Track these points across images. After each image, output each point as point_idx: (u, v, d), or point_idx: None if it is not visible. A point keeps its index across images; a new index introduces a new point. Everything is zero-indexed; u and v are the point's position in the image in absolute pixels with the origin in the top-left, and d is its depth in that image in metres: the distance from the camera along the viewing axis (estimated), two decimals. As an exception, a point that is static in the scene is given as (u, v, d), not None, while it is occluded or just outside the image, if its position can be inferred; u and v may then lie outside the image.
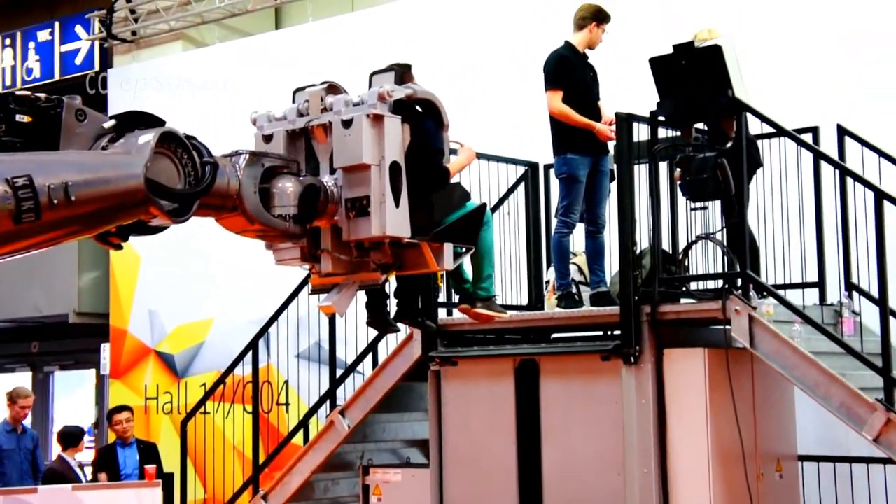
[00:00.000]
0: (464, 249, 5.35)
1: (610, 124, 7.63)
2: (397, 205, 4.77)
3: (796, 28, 9.35)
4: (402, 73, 5.28)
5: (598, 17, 7.91)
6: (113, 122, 4.14)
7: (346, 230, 4.79)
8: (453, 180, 5.49)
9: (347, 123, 4.76)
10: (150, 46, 14.42)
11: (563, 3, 10.33)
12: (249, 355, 9.51)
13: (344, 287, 5.00)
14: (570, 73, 7.78)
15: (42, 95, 4.05)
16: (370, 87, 5.09)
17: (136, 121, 4.17)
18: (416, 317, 6.33)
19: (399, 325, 6.39)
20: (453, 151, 5.73)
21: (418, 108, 5.24)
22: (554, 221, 8.11)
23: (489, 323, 6.66)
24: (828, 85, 9.08)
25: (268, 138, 5.00)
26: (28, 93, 4.05)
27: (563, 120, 7.71)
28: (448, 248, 5.10)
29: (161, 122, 4.21)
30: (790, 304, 6.95)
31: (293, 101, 5.08)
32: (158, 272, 13.44)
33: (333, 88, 5.01)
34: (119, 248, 4.36)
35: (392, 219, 4.73)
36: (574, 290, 7.97)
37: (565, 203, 7.76)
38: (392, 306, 6.28)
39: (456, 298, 6.68)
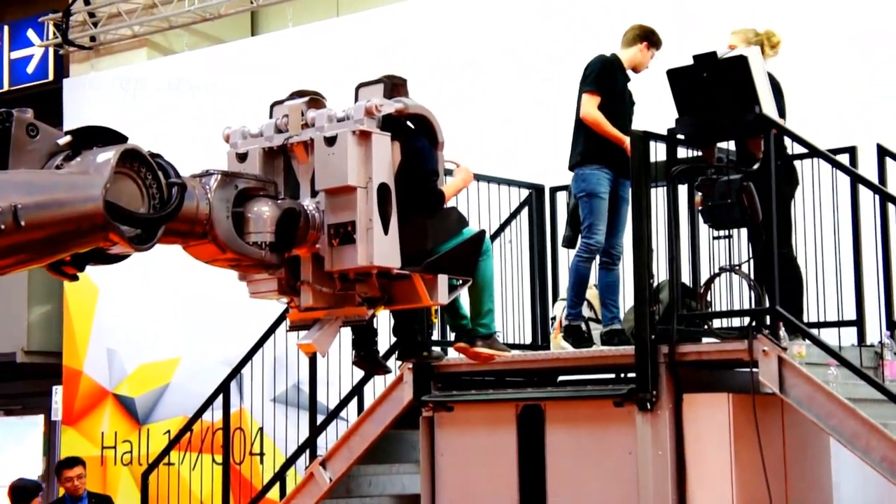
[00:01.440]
0: (460, 282, 5.34)
1: None
2: (386, 232, 4.76)
3: (831, 36, 9.40)
4: (393, 85, 5.29)
5: (650, 38, 8.01)
6: (69, 138, 4.13)
7: (328, 260, 4.79)
8: (449, 204, 5.50)
9: (331, 141, 4.76)
10: (110, 54, 14.46)
11: (565, 13, 10.44)
12: (220, 399, 9.49)
13: (326, 323, 4.99)
14: (612, 82, 7.83)
15: (-11, 108, 4.05)
16: (356, 100, 5.09)
17: (95, 137, 4.17)
18: (421, 351, 6.37)
19: (389, 365, 6.38)
20: (448, 172, 5.74)
21: (410, 124, 5.25)
22: (563, 251, 8.12)
23: (489, 363, 6.65)
24: (866, 101, 9.12)
25: (242, 157, 5.00)
26: (-27, 106, 4.05)
27: (594, 127, 7.72)
28: (443, 280, 5.10)
29: (123, 139, 4.21)
30: (825, 344, 6.95)
31: (270, 116, 5.09)
32: (118, 306, 13.42)
33: (315, 102, 5.02)
34: (74, 278, 4.35)
35: (380, 247, 4.73)
36: (583, 325, 7.97)
37: (587, 223, 7.76)
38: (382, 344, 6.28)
39: (452, 336, 6.66)
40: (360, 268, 4.75)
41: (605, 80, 7.83)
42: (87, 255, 4.21)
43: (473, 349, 6.21)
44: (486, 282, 5.91)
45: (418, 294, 5.05)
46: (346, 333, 5.77)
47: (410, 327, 6.10)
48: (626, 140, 7.65)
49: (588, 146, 7.80)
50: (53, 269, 4.22)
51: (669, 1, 10.03)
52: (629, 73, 8.01)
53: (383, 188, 4.78)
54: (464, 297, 6.01)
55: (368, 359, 5.98)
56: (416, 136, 5.21)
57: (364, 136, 4.76)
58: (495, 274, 6.28)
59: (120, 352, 13.47)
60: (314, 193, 4.85)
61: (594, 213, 7.75)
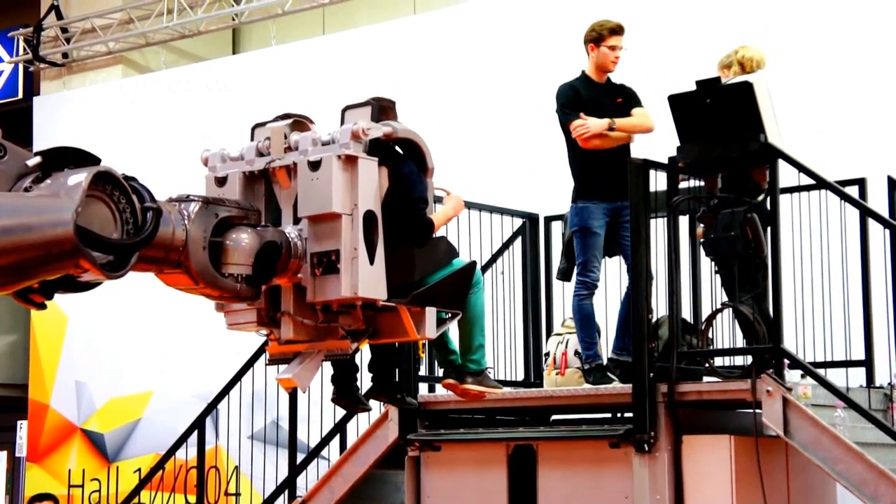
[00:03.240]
0: (449, 315, 5.34)
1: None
2: (372, 262, 4.77)
3: (842, 67, 9.44)
4: (381, 107, 5.30)
5: (592, 39, 7.94)
6: (39, 159, 4.14)
7: (311, 290, 4.78)
8: (438, 234, 5.50)
9: (315, 165, 4.77)
10: (84, 71, 14.47)
11: (558, 38, 10.48)
12: (194, 436, 9.45)
13: (307, 357, 4.99)
14: (579, 105, 7.82)
15: (-45, 127, 4.05)
16: (342, 123, 5.10)
17: (66, 158, 4.18)
18: (395, 393, 6.29)
19: (372, 402, 6.36)
20: (438, 200, 5.74)
21: (398, 148, 5.26)
22: (558, 284, 8.09)
23: (479, 401, 6.64)
24: (877, 131, 9.15)
25: (221, 181, 5.00)
26: (-62, 124, 4.05)
27: (599, 148, 7.72)
28: (431, 313, 5.10)
29: (95, 160, 4.21)
30: (832, 385, 6.94)
31: (252, 139, 5.10)
32: (88, 336, 13.38)
33: (299, 124, 5.03)
34: (42, 307, 4.34)
35: (365, 278, 4.73)
36: (581, 364, 7.96)
37: (581, 260, 7.76)
38: (364, 380, 6.26)
39: (440, 372, 6.65)
40: (344, 299, 4.75)
41: (575, 107, 7.81)
42: (57, 283, 4.20)
43: (463, 386, 6.20)
44: (476, 315, 5.91)
45: (405, 327, 5.05)
46: (329, 368, 5.77)
47: (388, 364, 6.06)
48: (614, 122, 7.64)
49: (579, 180, 7.80)
50: (20, 297, 4.21)
51: (670, 28, 10.07)
52: (609, 76, 7.97)
53: (369, 216, 4.79)
54: (453, 331, 6.01)
55: (348, 396, 5.96)
56: (405, 162, 5.21)
57: (350, 160, 4.77)
58: (486, 307, 6.27)
59: (89, 385, 13.43)
60: (296, 220, 4.85)
61: (588, 249, 7.74)
